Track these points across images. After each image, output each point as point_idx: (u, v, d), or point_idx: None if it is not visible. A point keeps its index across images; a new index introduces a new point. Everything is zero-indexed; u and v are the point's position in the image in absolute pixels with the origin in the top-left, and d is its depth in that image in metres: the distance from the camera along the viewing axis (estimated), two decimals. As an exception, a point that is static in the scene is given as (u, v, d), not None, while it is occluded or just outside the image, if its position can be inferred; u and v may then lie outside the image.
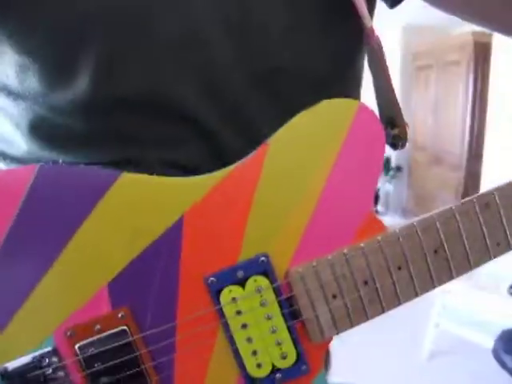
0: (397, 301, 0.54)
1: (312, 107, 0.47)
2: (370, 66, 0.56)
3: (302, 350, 0.51)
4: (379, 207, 7.07)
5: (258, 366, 0.50)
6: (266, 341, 0.50)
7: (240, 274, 0.47)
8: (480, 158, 4.52)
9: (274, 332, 0.50)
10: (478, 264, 0.56)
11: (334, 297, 0.50)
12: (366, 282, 0.51)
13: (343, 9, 0.53)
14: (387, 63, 0.57)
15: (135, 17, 0.46)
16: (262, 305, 0.48)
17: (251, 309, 0.48)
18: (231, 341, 0.49)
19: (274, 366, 0.50)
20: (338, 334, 0.52)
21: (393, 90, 0.55)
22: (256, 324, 0.49)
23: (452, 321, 2.85)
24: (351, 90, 0.60)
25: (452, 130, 5.67)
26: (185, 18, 0.47)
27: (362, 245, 0.51)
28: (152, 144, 0.49)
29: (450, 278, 0.56)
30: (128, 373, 0.47)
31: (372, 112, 0.50)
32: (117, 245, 0.45)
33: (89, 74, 0.46)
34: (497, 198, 0.55)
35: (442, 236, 0.54)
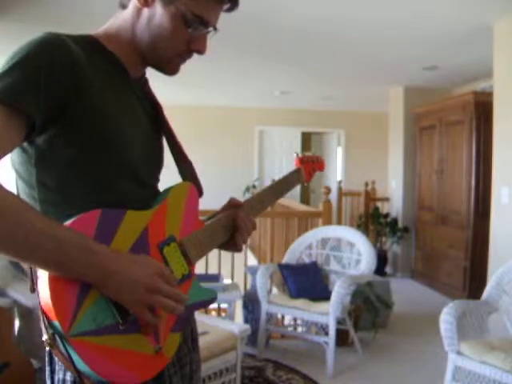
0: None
1: (177, 184, 1.19)
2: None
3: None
4: (388, 269, 6.97)
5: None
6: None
7: (168, 241, 1.11)
8: (487, 217, 4.50)
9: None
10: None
11: (195, 247, 1.18)
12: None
13: None
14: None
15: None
16: (178, 251, 1.12)
17: (176, 254, 1.12)
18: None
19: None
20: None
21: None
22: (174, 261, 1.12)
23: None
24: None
25: (457, 189, 5.68)
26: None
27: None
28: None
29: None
30: None
31: (193, 185, 1.23)
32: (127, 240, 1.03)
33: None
34: None
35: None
